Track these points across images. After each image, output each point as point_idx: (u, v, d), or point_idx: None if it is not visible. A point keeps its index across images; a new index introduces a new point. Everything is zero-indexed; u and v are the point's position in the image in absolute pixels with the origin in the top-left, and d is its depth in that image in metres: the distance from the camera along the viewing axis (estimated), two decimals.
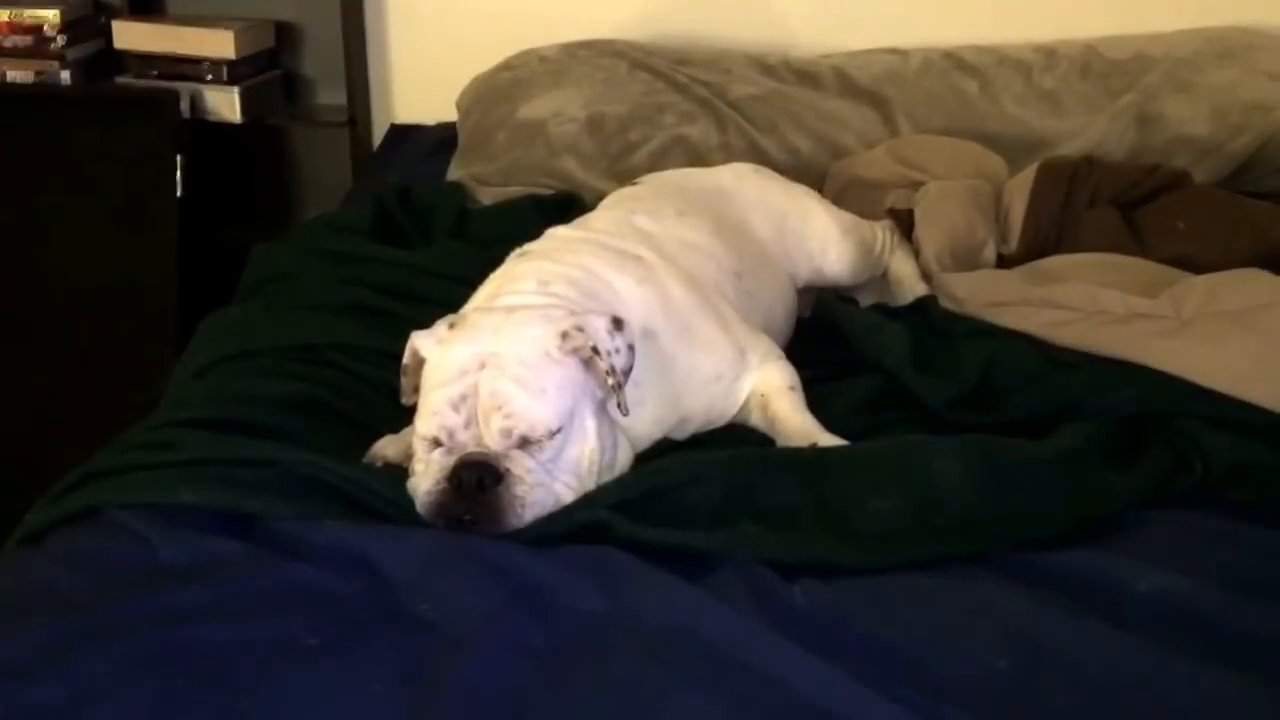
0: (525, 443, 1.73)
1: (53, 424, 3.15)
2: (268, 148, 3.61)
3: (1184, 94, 3.03)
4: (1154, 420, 1.95)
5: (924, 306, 2.37)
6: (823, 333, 2.32)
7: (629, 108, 3.03)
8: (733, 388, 2.01)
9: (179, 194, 3.25)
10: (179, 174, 3.25)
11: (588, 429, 1.78)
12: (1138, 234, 2.52)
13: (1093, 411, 1.95)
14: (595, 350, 1.76)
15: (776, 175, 2.54)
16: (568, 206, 2.70)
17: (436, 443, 1.74)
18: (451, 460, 1.71)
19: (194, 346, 2.19)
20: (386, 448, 1.88)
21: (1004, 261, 2.53)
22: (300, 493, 1.71)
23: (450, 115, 3.25)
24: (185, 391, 2.04)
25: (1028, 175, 2.64)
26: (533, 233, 2.16)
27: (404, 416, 1.89)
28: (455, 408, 1.73)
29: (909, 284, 2.50)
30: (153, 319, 3.18)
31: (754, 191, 2.42)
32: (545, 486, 1.72)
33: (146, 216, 3.26)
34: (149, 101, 3.33)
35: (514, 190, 2.90)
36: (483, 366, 1.74)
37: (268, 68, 3.53)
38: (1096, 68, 3.12)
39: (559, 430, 1.74)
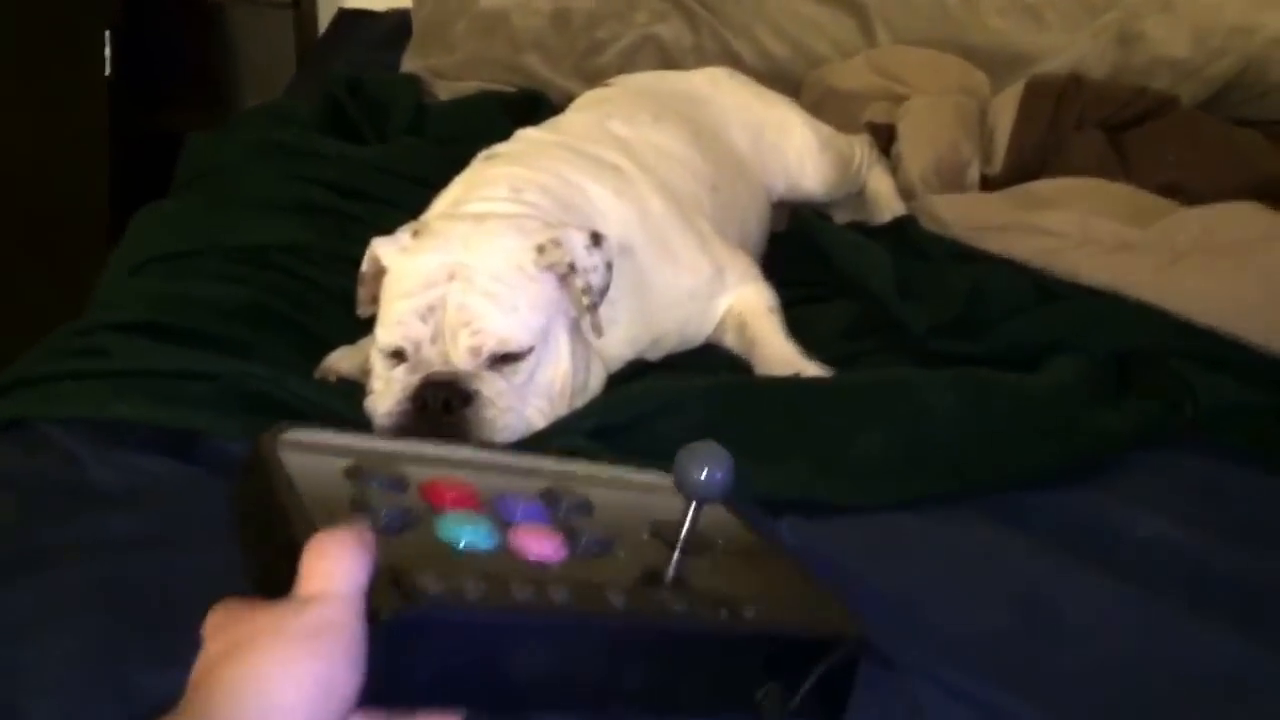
0: (495, 362, 1.62)
1: None
2: (205, 27, 3.45)
3: (1166, 14, 2.97)
4: (1143, 356, 1.89)
5: (903, 226, 2.30)
6: (798, 249, 2.25)
7: (598, 2, 2.93)
8: (709, 307, 1.93)
9: (107, 74, 3.10)
10: (108, 52, 3.09)
11: (561, 349, 1.68)
12: (1125, 159, 2.47)
13: (1081, 345, 1.88)
14: (572, 267, 1.66)
15: (753, 82, 2.46)
16: (533, 106, 2.62)
17: (398, 356, 1.64)
18: (415, 378, 1.61)
19: (127, 243, 2.06)
20: (340, 361, 1.76)
21: (987, 182, 2.48)
22: (247, 409, 1.58)
23: (404, 2, 3.12)
24: (118, 292, 1.91)
25: (1014, 93, 2.59)
26: (496, 133, 2.07)
27: (360, 328, 1.78)
28: (422, 319, 1.62)
29: (886, 202, 2.43)
30: (81, 210, 3.05)
31: (730, 98, 2.33)
32: (516, 411, 1.62)
33: (72, 99, 3.10)
34: None
35: (473, 86, 2.80)
36: (451, 278, 1.63)
37: None
38: None
39: (531, 350, 1.64)
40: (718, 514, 1.23)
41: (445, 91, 2.81)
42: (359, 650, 0.91)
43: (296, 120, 2.48)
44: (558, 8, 2.93)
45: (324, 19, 3.39)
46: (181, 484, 1.46)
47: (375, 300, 1.71)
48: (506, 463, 1.26)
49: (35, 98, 3.08)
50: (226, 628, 0.93)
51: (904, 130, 2.50)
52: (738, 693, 1.05)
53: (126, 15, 3.16)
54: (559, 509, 1.15)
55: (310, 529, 0.99)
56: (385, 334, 1.65)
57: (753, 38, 2.94)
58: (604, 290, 1.70)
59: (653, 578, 1.09)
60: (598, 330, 1.69)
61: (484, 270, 1.64)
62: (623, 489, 1.24)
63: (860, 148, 2.47)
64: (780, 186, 2.32)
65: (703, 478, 1.10)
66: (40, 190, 3.08)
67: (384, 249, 1.70)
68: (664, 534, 1.14)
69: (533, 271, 1.66)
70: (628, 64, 2.74)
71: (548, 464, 1.27)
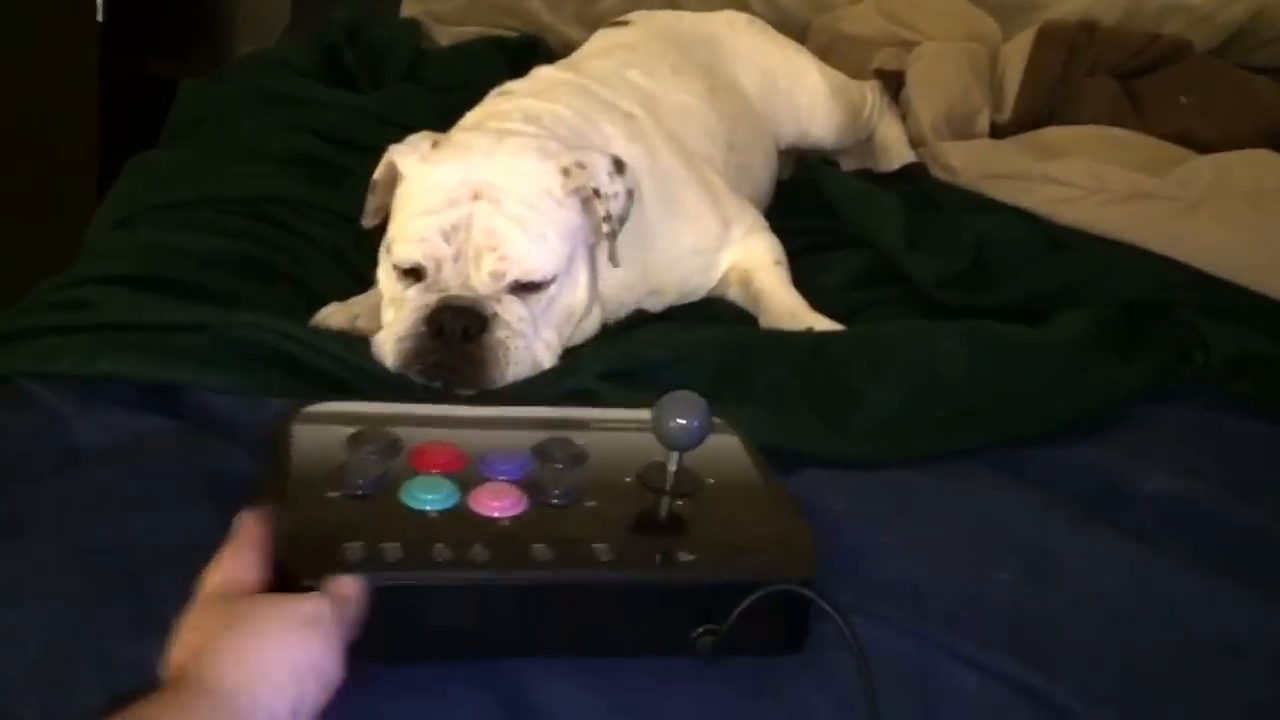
0: (517, 288, 1.59)
1: None
2: None
3: None
4: (1154, 306, 1.87)
5: (912, 175, 2.30)
6: (803, 197, 2.23)
7: None
8: (712, 261, 1.90)
9: (100, 19, 3.04)
10: None
11: (580, 280, 1.66)
12: (1137, 106, 2.45)
13: (1093, 296, 1.87)
14: (596, 192, 1.63)
15: (770, 28, 2.42)
16: (532, 51, 2.59)
17: (414, 275, 1.60)
18: (432, 299, 1.57)
19: (116, 193, 2.02)
20: (331, 316, 1.71)
21: (996, 129, 2.46)
22: (235, 362, 1.53)
23: None
24: (106, 243, 1.86)
25: (1025, 39, 2.56)
26: (495, 79, 2.03)
27: (352, 283, 1.74)
28: (445, 237, 1.58)
29: (896, 150, 2.41)
30: (70, 158, 2.99)
31: (746, 44, 2.30)
32: (529, 341, 1.59)
33: (63, 44, 3.03)
34: None
35: (473, 31, 2.76)
36: (477, 198, 1.59)
37: None
38: None
39: (554, 279, 1.61)
40: (728, 451, 1.32)
41: (445, 37, 2.77)
42: (342, 644, 1.01)
43: (291, 68, 2.44)
44: None
45: None
46: (167, 440, 1.42)
47: (382, 211, 1.67)
48: (508, 417, 1.37)
49: (25, 41, 3.02)
50: (223, 603, 1.02)
51: (913, 77, 2.47)
52: (674, 635, 1.13)
53: None
54: (549, 462, 1.26)
55: (277, 514, 1.14)
56: (404, 249, 1.60)
57: None
58: (623, 219, 1.67)
59: (618, 525, 1.19)
60: (614, 259, 1.66)
61: (512, 193, 1.60)
62: (622, 431, 1.32)
63: (871, 94, 2.45)
64: (790, 134, 2.29)
65: (674, 426, 1.19)
66: (29, 136, 3.03)
67: (403, 157, 1.66)
68: (648, 479, 1.24)
69: (559, 196, 1.62)
70: (630, 9, 2.65)
71: (549, 414, 1.37)
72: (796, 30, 2.68)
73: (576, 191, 1.63)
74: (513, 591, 1.13)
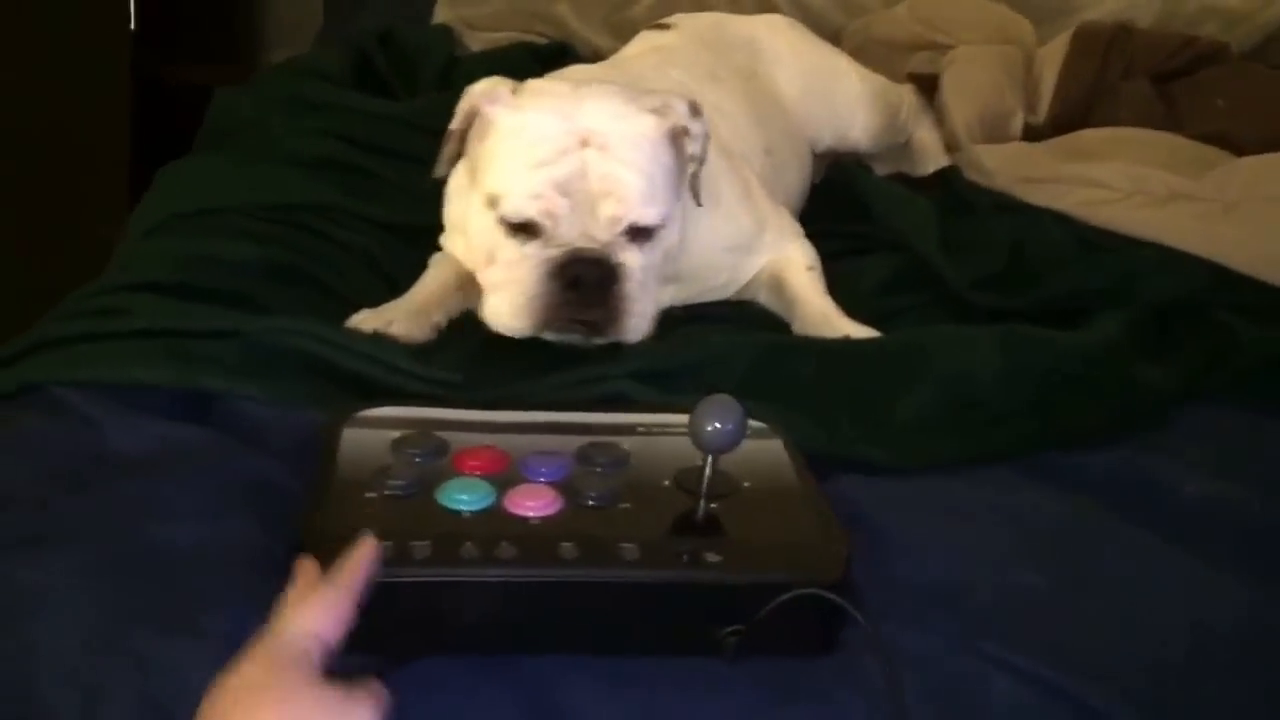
0: (632, 234, 1.59)
1: None
2: None
3: None
4: (1189, 309, 1.86)
5: (946, 178, 2.28)
6: (835, 200, 2.23)
7: None
8: (743, 261, 1.90)
9: (132, 28, 3.06)
10: (132, 5, 3.05)
11: (677, 223, 1.67)
12: (1173, 108, 2.44)
13: (1128, 298, 1.85)
14: (685, 131, 1.65)
15: (811, 33, 2.43)
16: (563, 57, 2.58)
17: (524, 230, 1.59)
18: (556, 252, 1.57)
19: (148, 201, 2.03)
20: (365, 321, 1.68)
21: (1031, 131, 2.46)
22: (268, 369, 1.53)
23: None
24: (139, 250, 1.87)
25: (1061, 42, 2.56)
26: None
27: (384, 289, 1.74)
28: (561, 190, 1.57)
29: (932, 153, 2.42)
30: (102, 166, 3.01)
31: (787, 47, 2.30)
32: (649, 290, 1.60)
33: (95, 51, 3.04)
34: None
35: (505, 37, 2.77)
36: (585, 145, 1.59)
37: None
38: None
39: (664, 223, 1.62)
40: (768, 454, 1.34)
41: (477, 43, 2.78)
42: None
43: (324, 75, 2.44)
44: None
45: None
46: (200, 447, 1.42)
47: (458, 159, 1.67)
48: (554, 421, 1.38)
49: (58, 49, 3.03)
50: (273, 676, 1.01)
51: (948, 80, 2.47)
52: (700, 635, 1.14)
53: None
54: (590, 465, 1.28)
55: (316, 511, 1.20)
56: (517, 205, 1.59)
57: None
58: (702, 161, 1.68)
59: (650, 526, 1.21)
60: (698, 198, 1.67)
61: (618, 137, 1.60)
62: (665, 436, 1.35)
63: (907, 98, 2.45)
64: (828, 136, 2.30)
65: (709, 430, 1.20)
66: (62, 144, 3.03)
67: (493, 106, 1.65)
68: (684, 483, 1.26)
69: (655, 137, 1.63)
70: (659, 17, 2.64)
71: (595, 419, 1.39)
72: (829, 34, 2.67)
73: (669, 132, 1.64)
74: (537, 588, 1.14)
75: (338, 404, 1.42)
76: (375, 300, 1.73)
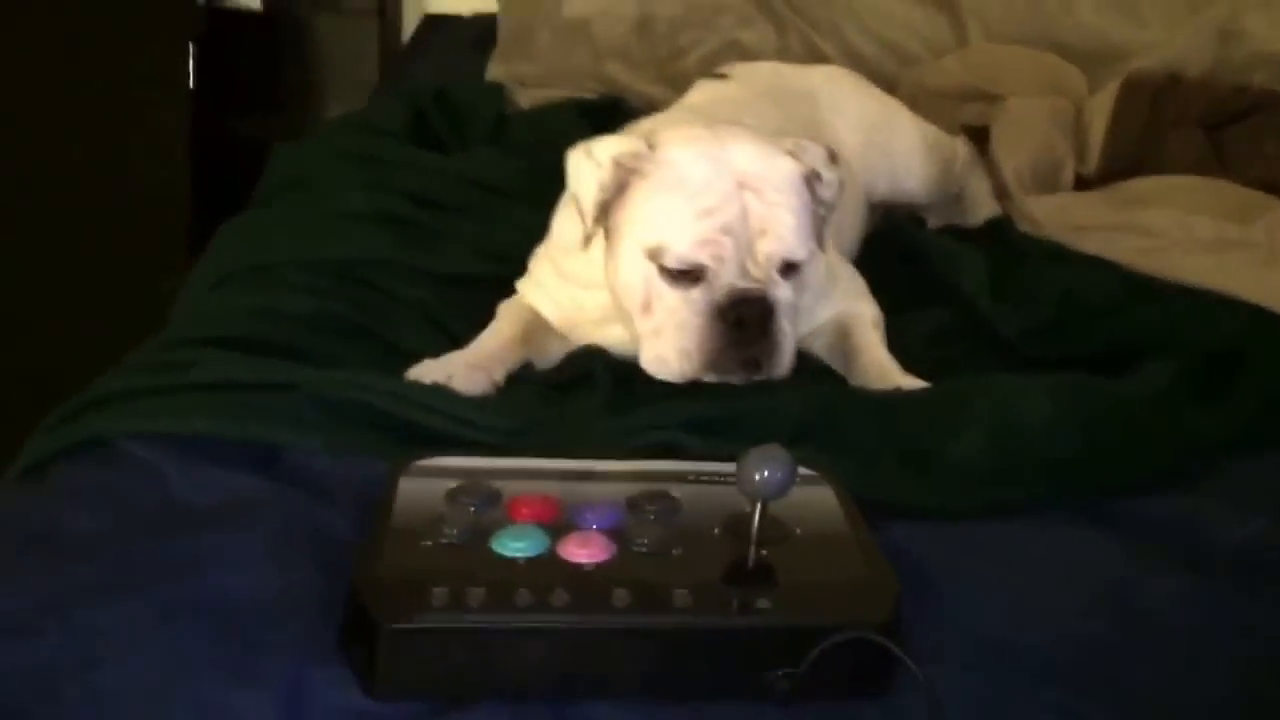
0: (784, 270, 1.63)
1: (53, 339, 2.99)
2: (289, 37, 3.44)
3: (1268, 8, 2.92)
4: (1241, 356, 1.84)
5: (998, 228, 2.29)
6: (886, 251, 2.23)
7: (681, 8, 2.92)
8: (813, 309, 1.88)
9: (191, 86, 3.09)
10: (191, 64, 3.08)
11: (815, 260, 1.70)
12: (1222, 156, 2.45)
13: (1180, 346, 1.85)
14: (817, 175, 1.68)
15: (867, 82, 2.45)
16: (614, 111, 2.60)
17: (687, 277, 1.61)
18: (719, 295, 1.60)
19: (210, 255, 2.06)
20: (426, 375, 1.70)
21: (1081, 181, 2.46)
22: (330, 421, 1.55)
23: (488, 5, 3.12)
24: (200, 305, 1.90)
25: (1109, 92, 2.57)
26: (575, 138, 2.02)
27: (444, 341, 1.76)
28: (728, 232, 1.61)
29: (984, 203, 2.42)
30: (161, 220, 3.04)
31: (846, 98, 2.32)
32: (796, 325, 1.65)
33: (154, 108, 3.09)
34: None
35: (556, 93, 2.79)
36: (742, 187, 1.62)
37: None
38: None
39: (808, 259, 1.66)
40: (819, 502, 1.35)
41: (528, 99, 2.80)
42: None
43: (380, 130, 2.47)
44: (641, 14, 2.92)
45: (409, 24, 3.40)
46: (264, 499, 1.44)
47: (604, 216, 1.68)
48: (607, 470, 1.40)
49: (119, 109, 3.07)
50: None
51: (998, 132, 2.48)
52: (751, 681, 1.14)
53: (210, 25, 3.16)
54: (641, 512, 1.29)
55: (371, 559, 1.22)
56: (686, 252, 1.62)
57: (841, 38, 2.92)
58: (832, 207, 1.71)
59: (701, 572, 1.22)
60: (822, 244, 1.70)
61: (765, 178, 1.63)
62: (716, 484, 1.35)
63: (961, 149, 2.45)
64: (884, 188, 2.30)
65: (757, 478, 1.21)
66: (124, 201, 3.07)
67: (637, 164, 1.67)
68: (735, 530, 1.26)
69: (795, 178, 1.67)
70: (710, 70, 2.65)
71: (646, 467, 1.41)
72: (880, 84, 2.66)
73: (805, 175, 1.67)
74: (590, 634, 1.15)
75: (397, 455, 1.43)
76: (434, 351, 1.75)
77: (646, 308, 1.66)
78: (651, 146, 1.68)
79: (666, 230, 1.64)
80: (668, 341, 1.63)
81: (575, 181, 1.72)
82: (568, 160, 1.74)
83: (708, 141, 1.68)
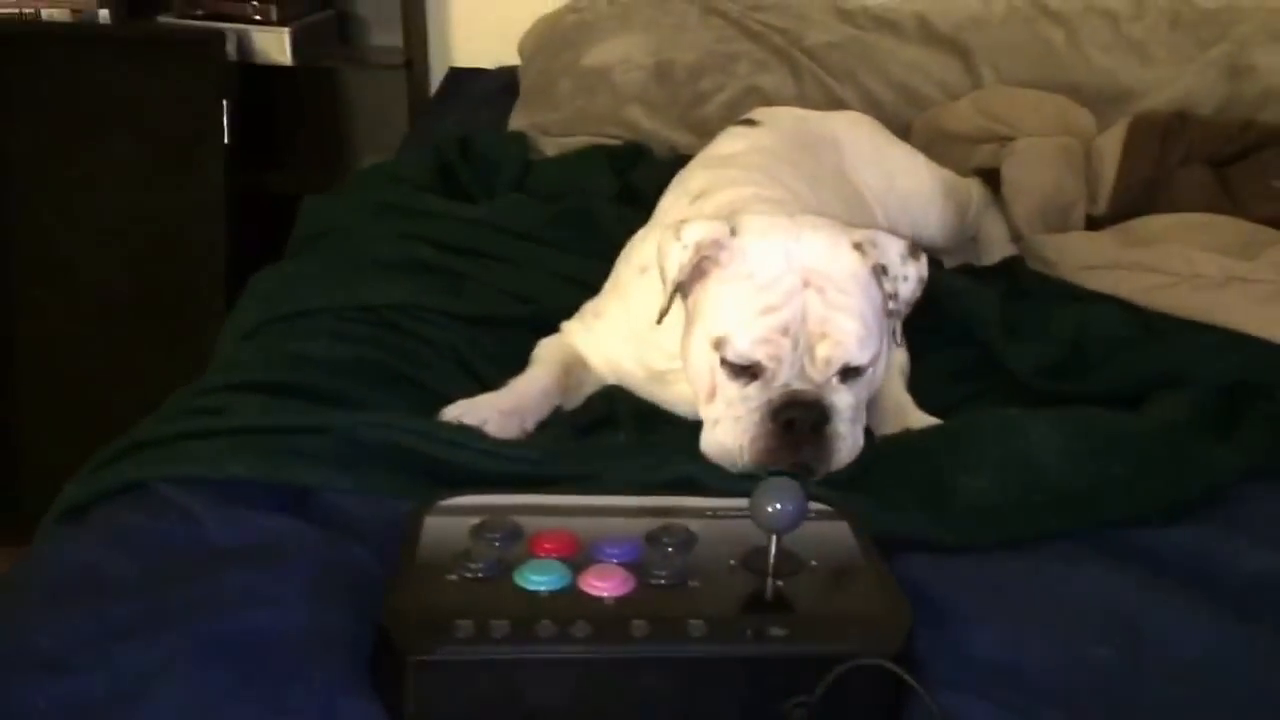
0: (844, 374, 1.62)
1: (94, 387, 3.05)
2: (319, 92, 3.50)
3: (1277, 44, 2.93)
4: (1250, 390, 1.86)
5: (1011, 268, 2.31)
6: None
7: (699, 56, 2.94)
8: None
9: (225, 141, 3.12)
10: (225, 120, 3.12)
11: (882, 359, 1.68)
12: (1231, 193, 2.46)
13: (1189, 381, 1.87)
14: (884, 269, 1.65)
15: (886, 130, 2.46)
16: (638, 157, 2.64)
17: (748, 373, 1.62)
18: (775, 395, 1.60)
19: (244, 304, 2.09)
20: (460, 418, 1.72)
21: (1092, 221, 2.47)
22: (362, 464, 1.59)
23: (511, 58, 3.16)
24: (235, 353, 1.94)
25: (1118, 132, 2.57)
26: (599, 185, 2.06)
27: (474, 384, 1.79)
28: (786, 332, 1.60)
29: (997, 243, 2.44)
30: (200, 273, 3.08)
31: (868, 144, 2.34)
32: (857, 425, 1.63)
33: (191, 165, 3.13)
34: (193, 43, 3.18)
35: (578, 141, 2.82)
36: (806, 285, 1.61)
37: (319, 7, 3.40)
38: (1186, 17, 3.03)
39: (873, 363, 1.64)
40: (833, 534, 1.39)
41: (551, 147, 2.82)
42: None
43: (408, 180, 2.50)
44: (660, 61, 2.93)
45: (435, 77, 3.43)
46: (297, 540, 1.47)
47: (683, 296, 1.67)
48: (625, 506, 1.43)
49: (158, 164, 3.13)
50: None
51: (1008, 173, 2.48)
52: (767, 709, 1.17)
53: (243, 81, 3.20)
54: (659, 546, 1.32)
55: (398, 592, 1.25)
56: (745, 349, 1.61)
57: (857, 84, 2.93)
58: (910, 304, 1.68)
59: (717, 603, 1.25)
60: (897, 339, 1.69)
61: (830, 277, 1.62)
62: (732, 519, 1.38)
63: (975, 191, 2.47)
64: (903, 232, 2.27)
65: (770, 510, 1.25)
66: (164, 254, 3.13)
67: (717, 251, 1.65)
68: (751, 562, 1.30)
69: (863, 275, 1.64)
70: (731, 115, 2.69)
71: (664, 502, 1.44)
72: (895, 129, 2.68)
73: (872, 269, 1.65)
74: (611, 665, 1.18)
75: (424, 494, 1.47)
76: (464, 394, 1.78)
77: (711, 395, 1.66)
78: (734, 231, 1.67)
79: (730, 324, 1.64)
80: (725, 432, 1.63)
81: (661, 258, 1.70)
82: (660, 235, 1.74)
83: (784, 232, 1.66)
